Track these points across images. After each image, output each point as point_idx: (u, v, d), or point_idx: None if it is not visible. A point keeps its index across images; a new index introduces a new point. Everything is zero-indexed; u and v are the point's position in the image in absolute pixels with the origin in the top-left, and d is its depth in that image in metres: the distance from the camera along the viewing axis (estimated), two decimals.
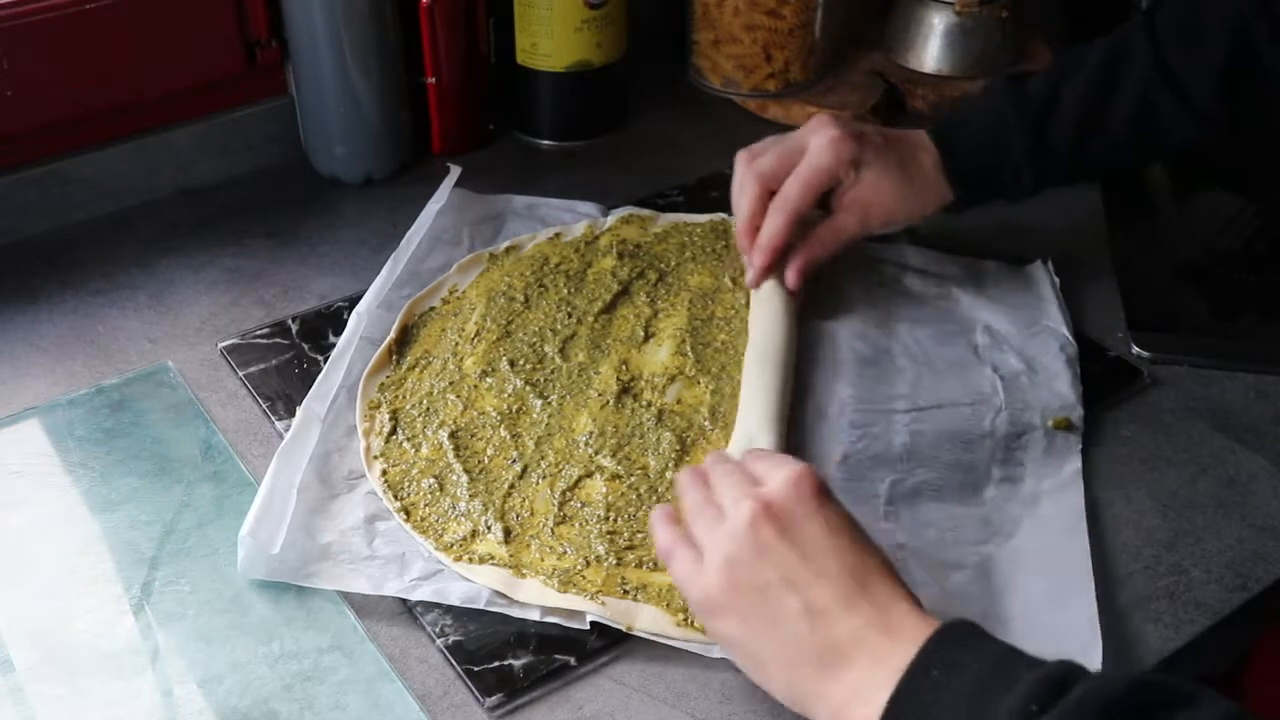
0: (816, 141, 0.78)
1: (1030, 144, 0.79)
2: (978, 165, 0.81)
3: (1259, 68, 0.77)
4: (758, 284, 0.80)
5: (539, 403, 0.74)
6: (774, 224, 0.79)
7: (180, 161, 0.95)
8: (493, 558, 0.64)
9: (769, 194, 0.80)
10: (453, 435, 0.72)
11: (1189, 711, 0.46)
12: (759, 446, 0.68)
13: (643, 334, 0.79)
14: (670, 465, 0.70)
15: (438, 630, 0.61)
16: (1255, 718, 0.46)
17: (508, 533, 0.66)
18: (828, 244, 0.80)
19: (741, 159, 0.82)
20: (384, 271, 0.83)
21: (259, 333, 0.81)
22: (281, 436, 0.72)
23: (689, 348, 0.78)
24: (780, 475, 0.57)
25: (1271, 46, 0.76)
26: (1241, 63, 0.77)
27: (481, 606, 0.62)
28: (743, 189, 0.81)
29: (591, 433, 0.72)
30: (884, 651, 0.51)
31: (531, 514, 0.67)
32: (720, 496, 0.58)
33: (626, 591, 0.63)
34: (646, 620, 0.61)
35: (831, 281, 0.85)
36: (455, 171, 0.91)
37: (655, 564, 0.64)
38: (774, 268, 0.80)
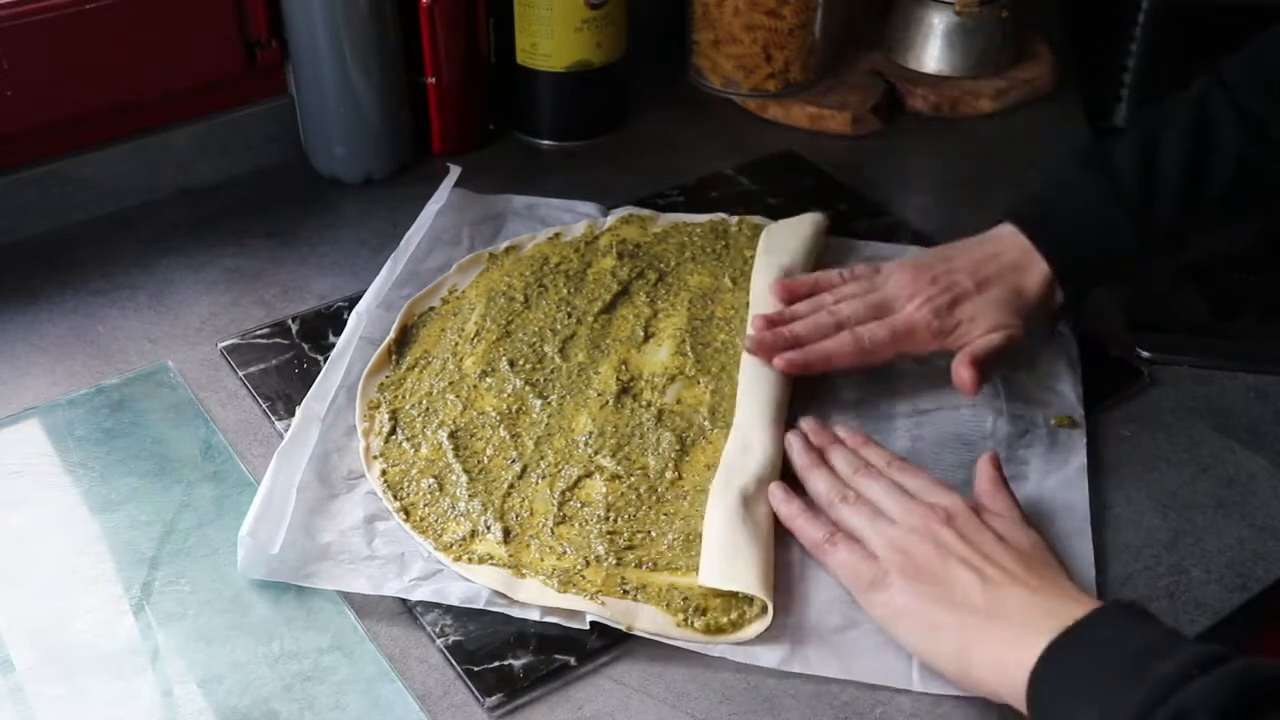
0: (909, 308, 0.75)
1: (1140, 237, 0.75)
2: (1085, 265, 0.77)
3: None
4: (775, 361, 0.74)
5: (539, 403, 0.74)
6: (846, 345, 0.74)
7: (180, 161, 0.95)
8: (492, 558, 0.64)
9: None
10: (452, 435, 0.72)
11: None
12: (757, 446, 0.69)
13: (642, 334, 0.79)
14: (670, 465, 0.70)
15: (438, 630, 0.61)
16: None
17: (507, 533, 0.66)
18: (984, 353, 0.73)
19: (809, 280, 0.80)
20: (384, 271, 0.83)
21: (259, 333, 0.81)
22: (281, 436, 0.72)
23: (689, 348, 0.78)
24: (948, 496, 0.64)
25: None
26: None
27: (481, 606, 0.62)
28: (816, 310, 0.76)
29: (591, 433, 0.72)
30: (1054, 608, 0.56)
31: (531, 514, 0.67)
32: (884, 507, 0.64)
33: (626, 591, 0.63)
34: (646, 620, 0.61)
35: None
36: (455, 171, 0.91)
37: (655, 564, 0.64)
38: (803, 370, 0.74)
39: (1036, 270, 0.76)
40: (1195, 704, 0.47)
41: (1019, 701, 0.54)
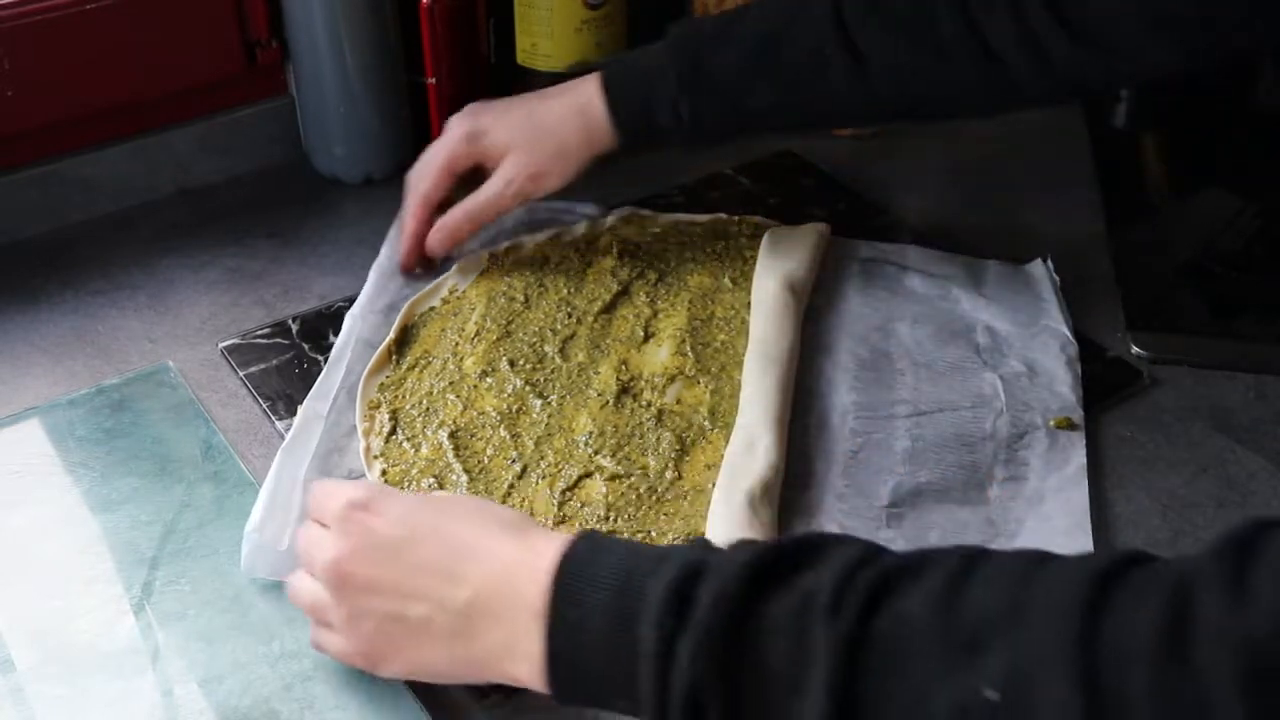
0: (438, 142, 0.81)
1: (688, 76, 0.75)
2: (635, 101, 0.77)
3: (937, 42, 0.72)
4: (407, 265, 0.84)
5: (539, 403, 0.74)
6: (407, 210, 0.82)
7: (180, 161, 0.95)
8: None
9: (426, 199, 0.82)
10: (452, 435, 0.72)
11: (812, 573, 0.45)
12: (760, 448, 0.69)
13: (643, 334, 0.79)
14: (670, 465, 0.70)
15: None
16: (879, 554, 0.46)
17: None
18: (470, 211, 0.81)
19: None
20: (345, 325, 0.81)
21: (259, 333, 0.81)
22: (282, 436, 0.72)
23: (689, 348, 0.78)
24: (329, 535, 0.55)
25: (953, 21, 0.71)
26: (919, 33, 0.72)
27: None
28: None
29: (591, 433, 0.72)
30: (512, 601, 0.50)
31: (531, 514, 0.67)
32: (311, 568, 0.56)
33: None
34: None
35: (831, 281, 0.85)
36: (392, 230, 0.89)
37: None
38: (412, 255, 0.83)
39: (574, 92, 0.78)
40: (696, 673, 0.44)
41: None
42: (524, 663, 0.50)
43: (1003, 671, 0.40)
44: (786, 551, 0.47)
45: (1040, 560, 0.44)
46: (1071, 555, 0.44)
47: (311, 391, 0.74)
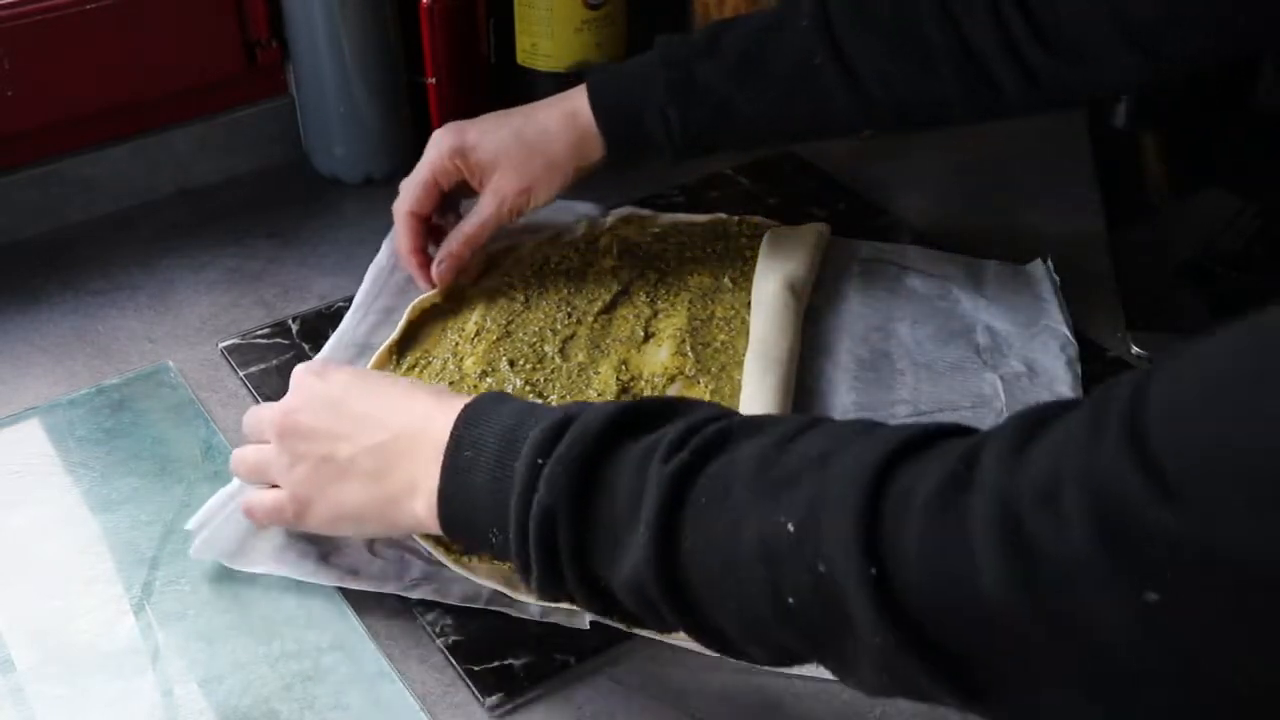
0: (424, 158, 0.80)
1: (673, 86, 0.75)
2: (622, 109, 0.77)
3: (923, 48, 0.72)
4: (429, 285, 0.81)
5: (539, 403, 0.74)
6: (395, 231, 0.81)
7: (180, 161, 0.95)
8: (493, 558, 0.64)
9: (413, 216, 0.81)
10: None
11: (668, 425, 0.50)
12: None
13: (643, 334, 0.79)
14: None
15: (438, 630, 0.61)
16: (730, 416, 0.51)
17: None
18: (470, 235, 0.80)
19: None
20: (365, 284, 0.83)
21: (259, 333, 0.81)
22: None
23: (689, 348, 0.78)
24: (284, 399, 0.62)
25: (938, 26, 0.71)
26: (904, 39, 0.72)
27: (481, 606, 0.62)
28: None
29: None
30: (423, 441, 0.56)
31: None
32: (260, 436, 0.63)
33: None
34: None
35: (831, 282, 0.85)
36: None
37: None
38: (426, 265, 0.81)
39: (562, 104, 0.78)
40: (550, 499, 0.50)
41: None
42: (422, 499, 0.56)
43: (802, 506, 0.44)
44: (649, 406, 0.52)
45: (871, 425, 0.47)
46: (901, 424, 0.47)
47: None
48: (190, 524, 0.65)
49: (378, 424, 0.58)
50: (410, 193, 0.80)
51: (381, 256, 0.86)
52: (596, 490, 0.50)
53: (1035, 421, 0.40)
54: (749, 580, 0.45)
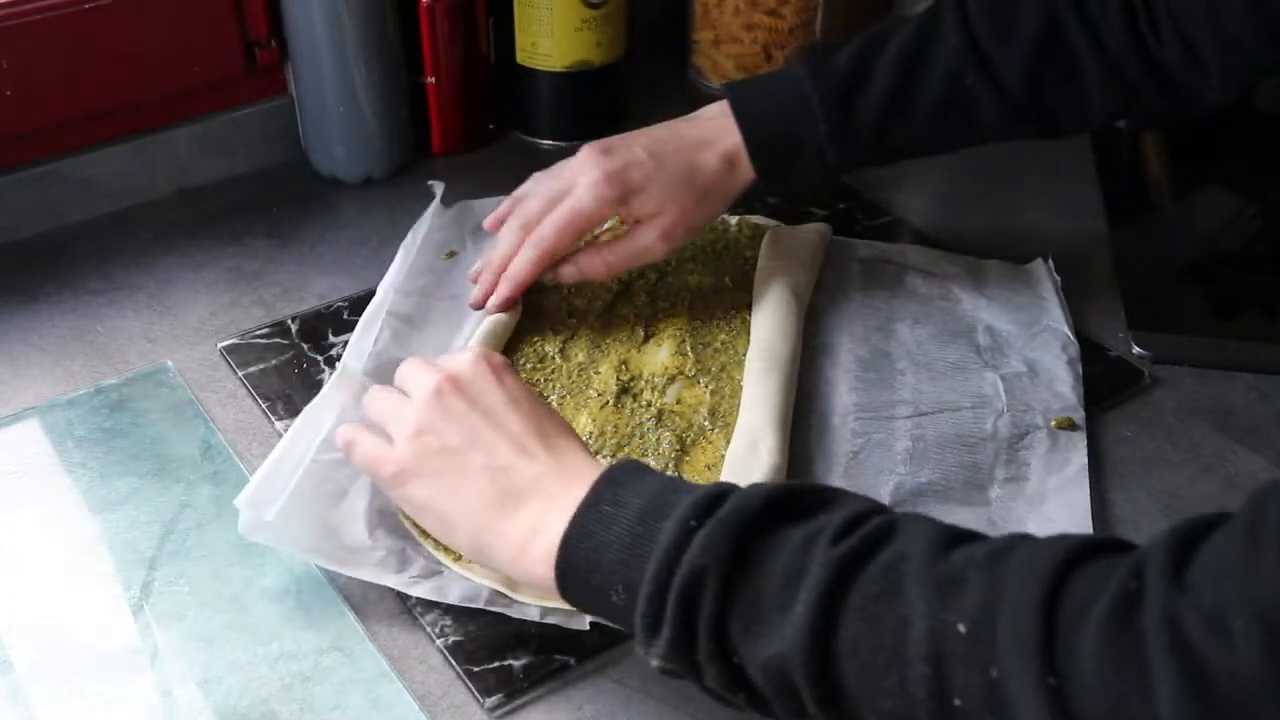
0: (582, 182, 0.75)
1: (835, 122, 0.74)
2: (777, 145, 0.76)
3: (1068, 56, 0.73)
4: (484, 306, 0.78)
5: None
6: (525, 259, 0.76)
7: (180, 161, 0.95)
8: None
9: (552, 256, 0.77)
10: None
11: (830, 512, 0.50)
12: (764, 449, 0.68)
13: (643, 334, 0.79)
14: (670, 465, 0.70)
15: (438, 630, 0.61)
16: (891, 511, 0.51)
17: None
18: (616, 265, 0.77)
19: (507, 203, 0.80)
20: (376, 297, 0.81)
21: (259, 333, 0.81)
22: (281, 436, 0.71)
23: (689, 348, 0.78)
24: (462, 355, 0.61)
25: (1080, 33, 0.72)
26: (1050, 49, 0.73)
27: (481, 606, 0.62)
28: (506, 232, 0.78)
29: (591, 433, 0.72)
30: (559, 492, 0.55)
31: None
32: (405, 385, 0.62)
33: None
34: None
35: (832, 282, 0.85)
36: (438, 190, 0.88)
37: None
38: (513, 302, 0.78)
39: (720, 145, 0.76)
40: (704, 559, 0.48)
41: (553, 591, 0.54)
42: (543, 542, 0.54)
43: (975, 607, 0.44)
44: (808, 490, 0.52)
45: (1029, 536, 0.47)
46: (1059, 534, 0.47)
47: (347, 354, 0.75)
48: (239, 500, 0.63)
49: (526, 455, 0.57)
50: (558, 227, 0.75)
51: (422, 238, 0.84)
52: (754, 561, 0.49)
53: (1189, 539, 0.41)
54: (911, 679, 0.44)
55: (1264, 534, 0.38)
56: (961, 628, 0.43)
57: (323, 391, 0.69)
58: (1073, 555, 0.44)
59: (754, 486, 0.51)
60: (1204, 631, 0.38)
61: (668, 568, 0.49)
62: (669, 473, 0.69)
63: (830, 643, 0.46)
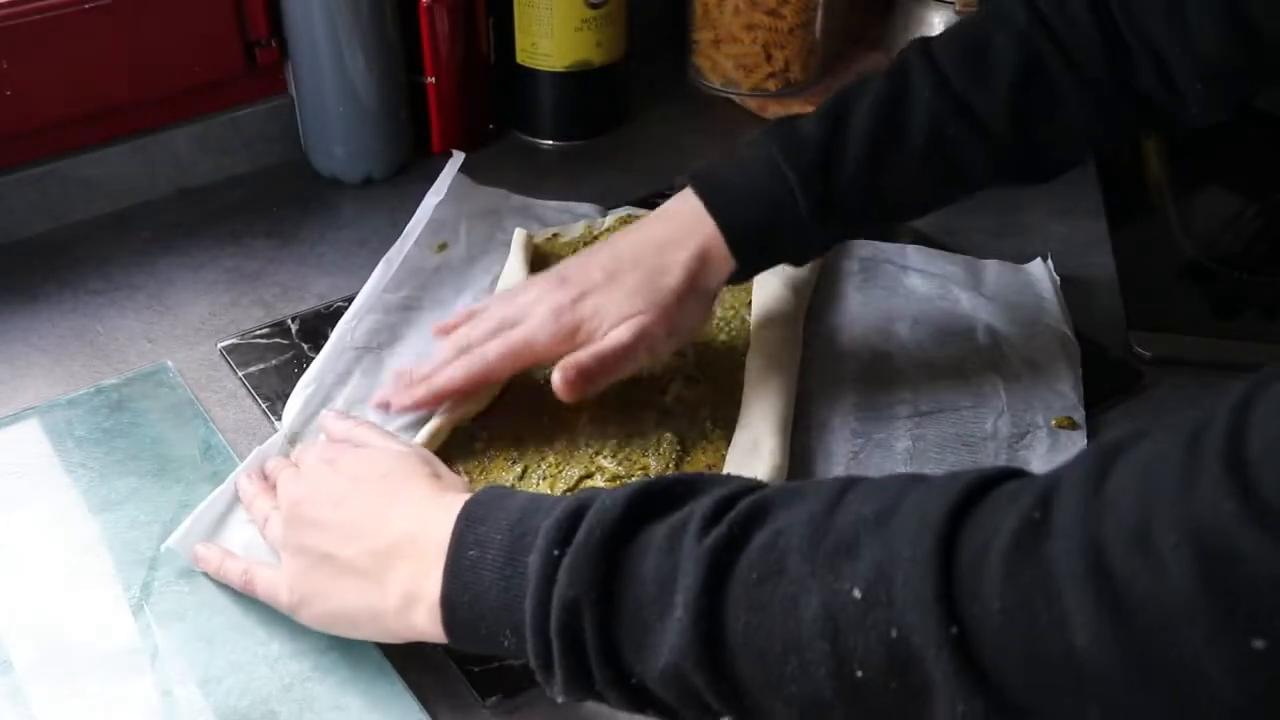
0: (535, 313, 0.70)
1: (814, 199, 0.69)
2: (757, 232, 0.70)
3: (1048, 87, 0.69)
4: (397, 409, 0.72)
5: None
6: (456, 370, 0.70)
7: (180, 161, 0.95)
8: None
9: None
10: (452, 435, 0.71)
11: (693, 501, 0.48)
12: (765, 449, 0.68)
13: None
14: (670, 465, 0.70)
15: None
16: (761, 487, 0.48)
17: None
18: (609, 367, 0.69)
19: (459, 314, 0.75)
20: (377, 271, 0.82)
21: (259, 333, 0.81)
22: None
23: (689, 348, 0.78)
24: (291, 471, 0.62)
25: (1057, 63, 0.69)
26: (1030, 83, 0.69)
27: None
28: (448, 346, 0.72)
29: (591, 433, 0.71)
30: (424, 547, 0.53)
31: None
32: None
33: None
34: None
35: (831, 282, 0.85)
36: (458, 158, 0.88)
37: None
38: (422, 407, 0.71)
39: (691, 243, 0.69)
40: (573, 590, 0.47)
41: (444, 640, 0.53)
42: (423, 608, 0.53)
43: (868, 570, 0.41)
44: (668, 484, 0.49)
45: (916, 478, 0.45)
46: (951, 472, 0.45)
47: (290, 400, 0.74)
48: (170, 542, 0.64)
49: (381, 522, 0.55)
50: (500, 359, 0.70)
51: (399, 252, 0.84)
52: (623, 576, 0.47)
53: (1109, 457, 0.38)
54: (811, 659, 0.42)
55: (1205, 448, 0.35)
56: (857, 593, 0.41)
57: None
58: (968, 492, 0.41)
59: (608, 493, 0.49)
60: (1125, 552, 0.35)
61: (542, 607, 0.48)
62: (669, 473, 0.69)
63: (719, 640, 0.44)
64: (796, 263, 0.76)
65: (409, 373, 0.73)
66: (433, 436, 0.69)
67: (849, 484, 0.46)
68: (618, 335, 0.68)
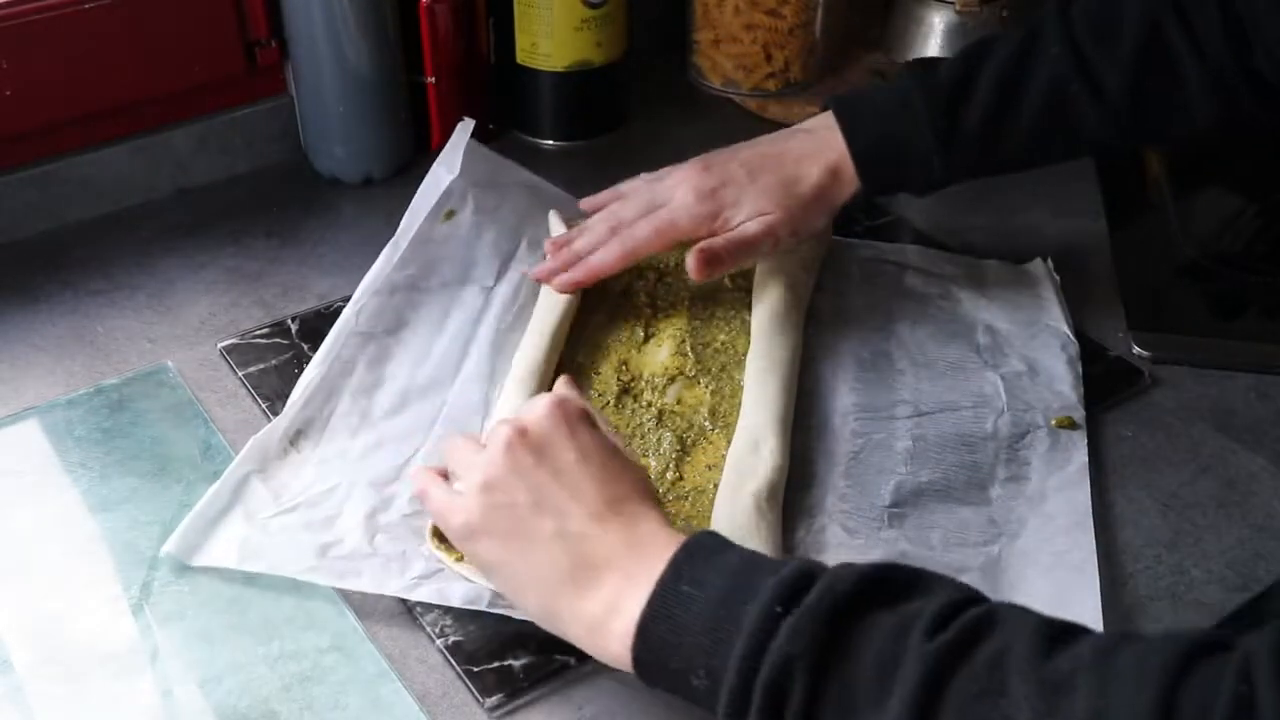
0: (679, 195, 0.77)
1: (941, 131, 0.76)
2: (884, 155, 0.77)
3: (1169, 65, 0.74)
4: (547, 280, 0.78)
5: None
6: (611, 251, 0.77)
7: (180, 161, 0.95)
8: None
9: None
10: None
11: (924, 598, 0.48)
12: (765, 449, 0.68)
13: (643, 334, 0.79)
14: (671, 465, 0.70)
15: (438, 630, 0.61)
16: (986, 600, 0.49)
17: None
18: (738, 256, 0.77)
19: (607, 194, 0.81)
20: (386, 250, 0.82)
21: (258, 333, 0.81)
22: None
23: (689, 348, 0.78)
24: (539, 404, 0.59)
25: (1182, 42, 0.73)
26: (1151, 58, 0.74)
27: (482, 608, 0.62)
28: (599, 222, 0.79)
29: None
30: (634, 568, 0.53)
31: None
32: (485, 437, 0.60)
33: None
34: None
35: (831, 282, 0.85)
36: (468, 124, 0.88)
37: None
38: (581, 286, 0.78)
39: (824, 158, 0.77)
40: (792, 649, 0.47)
41: (626, 666, 0.53)
42: (619, 621, 0.52)
43: (1085, 713, 0.42)
44: (900, 572, 0.50)
45: (1130, 634, 0.46)
46: (1166, 634, 0.46)
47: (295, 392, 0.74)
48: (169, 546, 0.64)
49: (599, 524, 0.55)
50: (649, 239, 0.77)
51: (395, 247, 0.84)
52: (844, 650, 0.47)
53: None
54: None
55: None
56: None
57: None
58: (1183, 658, 0.43)
59: (843, 568, 0.50)
60: None
61: (753, 656, 0.48)
62: (669, 474, 0.69)
63: None
64: (918, 193, 0.81)
65: (566, 250, 0.78)
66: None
67: (1067, 623, 0.47)
68: (750, 228, 0.76)
